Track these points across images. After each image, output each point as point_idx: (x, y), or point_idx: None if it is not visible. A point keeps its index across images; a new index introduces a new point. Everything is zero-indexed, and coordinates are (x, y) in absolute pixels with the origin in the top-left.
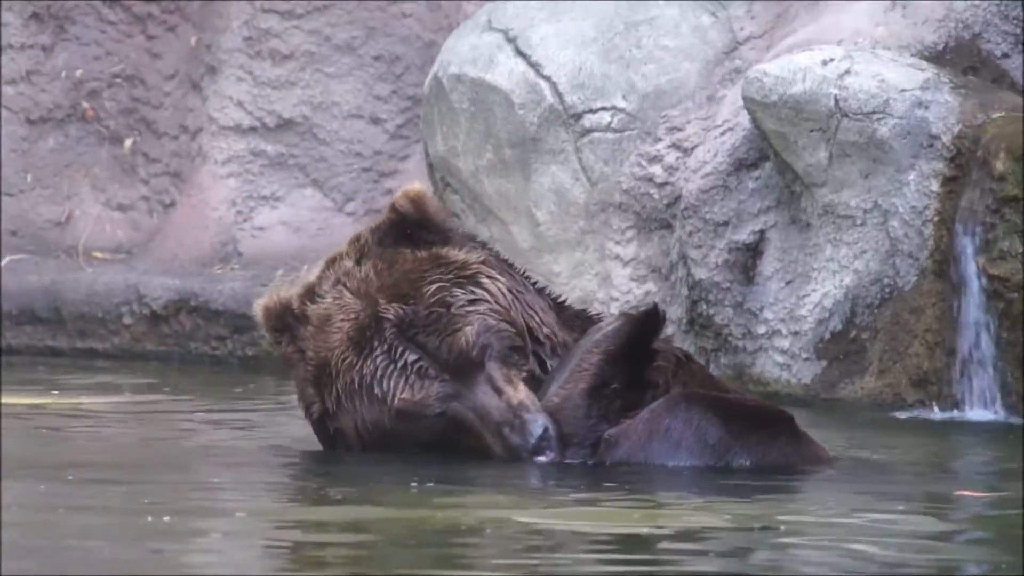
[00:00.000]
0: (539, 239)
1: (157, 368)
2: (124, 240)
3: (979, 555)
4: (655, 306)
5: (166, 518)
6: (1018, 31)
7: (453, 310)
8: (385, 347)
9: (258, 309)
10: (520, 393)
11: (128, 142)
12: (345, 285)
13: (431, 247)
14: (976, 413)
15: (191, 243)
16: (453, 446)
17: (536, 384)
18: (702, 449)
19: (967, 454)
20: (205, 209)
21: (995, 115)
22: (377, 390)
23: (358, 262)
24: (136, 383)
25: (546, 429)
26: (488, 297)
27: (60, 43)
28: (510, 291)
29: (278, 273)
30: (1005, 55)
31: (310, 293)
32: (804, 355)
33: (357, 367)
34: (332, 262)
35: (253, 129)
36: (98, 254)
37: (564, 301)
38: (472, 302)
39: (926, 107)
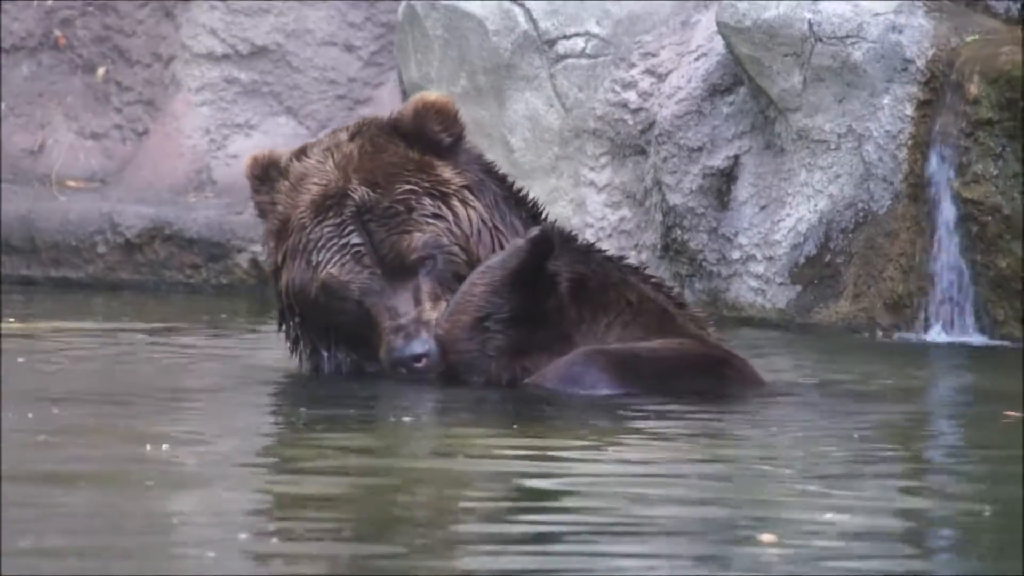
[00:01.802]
0: (514, 166)
1: (131, 296)
2: (97, 169)
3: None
4: (544, 231)
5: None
6: None
7: (414, 215)
8: (338, 221)
9: (247, 158)
10: (433, 314)
11: (101, 70)
12: (331, 154)
13: (423, 154)
14: (950, 336)
15: (165, 171)
16: (362, 340)
17: None
18: (618, 384)
19: (942, 377)
20: (179, 137)
21: (969, 38)
22: (314, 257)
23: (352, 138)
24: (109, 311)
25: (426, 354)
26: (451, 218)
27: None
28: (481, 221)
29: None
30: None
31: (301, 152)
32: (779, 280)
33: (307, 230)
34: (333, 132)
35: (226, 57)
36: (71, 183)
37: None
38: (435, 216)
39: (900, 31)
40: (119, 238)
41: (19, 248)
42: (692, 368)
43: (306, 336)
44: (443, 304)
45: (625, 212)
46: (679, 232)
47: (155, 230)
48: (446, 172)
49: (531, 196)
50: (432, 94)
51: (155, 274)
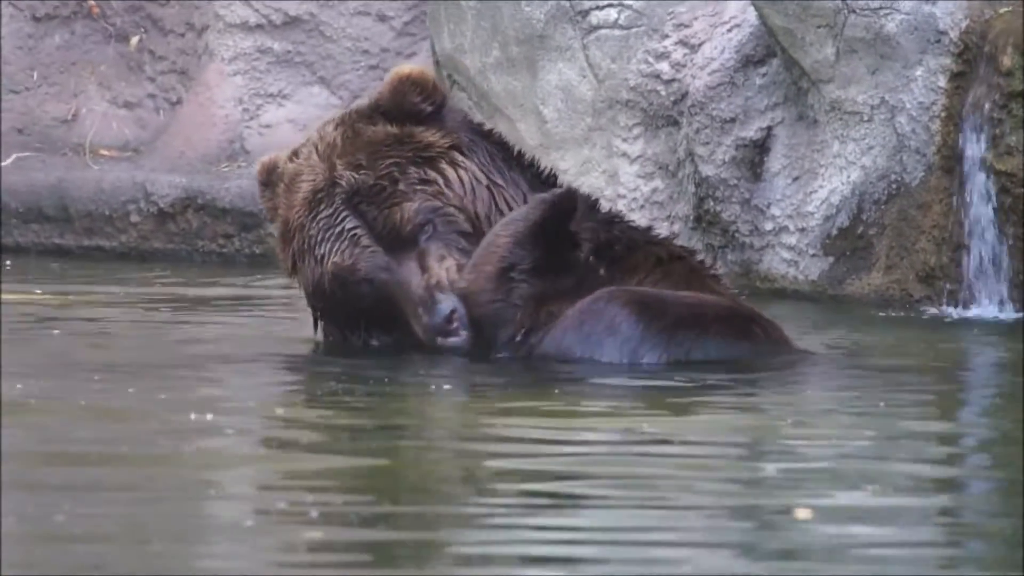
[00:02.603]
0: (546, 136)
1: (164, 266)
2: (131, 138)
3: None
4: (569, 188)
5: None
6: None
7: (400, 186)
8: (330, 211)
9: (257, 163)
10: (441, 272)
11: (134, 39)
12: (316, 147)
13: (403, 127)
14: (982, 309)
15: (198, 141)
16: (390, 319)
17: None
18: (612, 344)
19: (973, 350)
20: (212, 107)
21: (1002, 10)
22: (317, 251)
23: (336, 127)
24: (144, 279)
25: (453, 311)
26: (440, 181)
27: None
28: (475, 179)
29: None
30: None
31: (294, 153)
32: (811, 251)
33: (306, 228)
34: (322, 126)
35: (260, 26)
36: (104, 152)
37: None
38: (423, 181)
39: (933, 2)
40: (152, 207)
41: (52, 217)
42: (718, 320)
43: (336, 329)
44: (451, 263)
45: (657, 183)
46: (711, 203)
47: (188, 200)
48: (426, 137)
49: (535, 158)
50: (407, 67)
51: (188, 244)
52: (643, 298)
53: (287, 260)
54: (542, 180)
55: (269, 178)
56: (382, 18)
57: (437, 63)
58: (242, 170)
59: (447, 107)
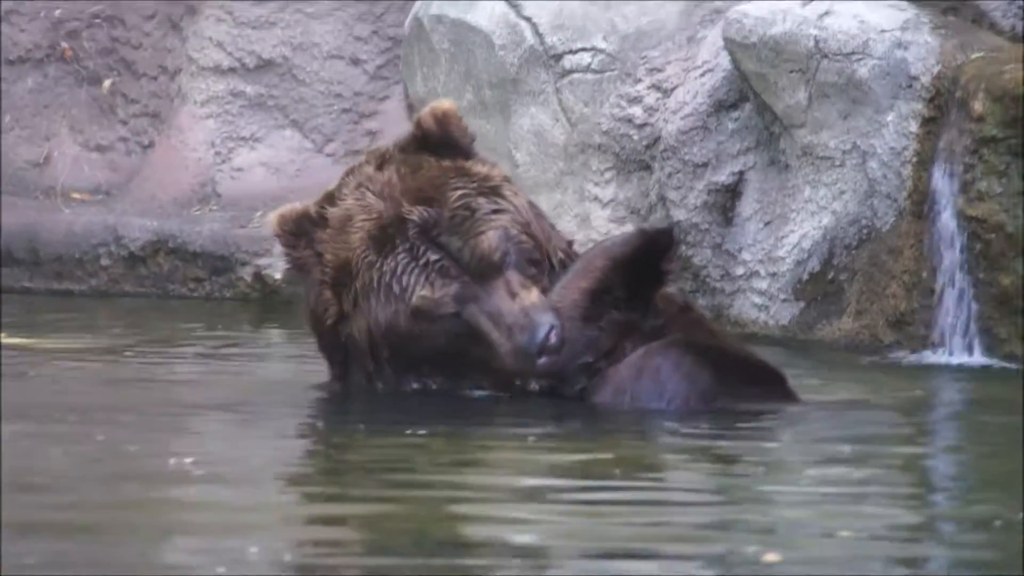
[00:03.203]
0: (519, 180)
1: (135, 309)
2: (102, 181)
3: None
4: (670, 226)
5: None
6: None
7: (477, 215)
8: (407, 246)
9: (273, 217)
10: (533, 296)
11: (107, 83)
12: (367, 188)
13: (454, 160)
14: (953, 354)
15: (170, 184)
16: (462, 355)
17: None
18: (688, 393)
19: (941, 395)
20: (184, 150)
21: (974, 56)
22: (396, 287)
23: (379, 168)
24: (115, 324)
25: (552, 328)
26: (511, 208)
27: None
28: (531, 207)
29: (257, 214)
30: None
31: (329, 198)
32: (782, 296)
33: (377, 265)
34: (351, 171)
35: (232, 70)
36: (76, 195)
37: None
38: (495, 211)
39: (905, 48)
40: (123, 251)
41: (22, 260)
42: (766, 378)
43: (392, 372)
44: (534, 289)
45: (629, 227)
46: (683, 248)
47: (159, 243)
48: (482, 169)
49: None
50: (445, 102)
51: (159, 287)
52: (713, 350)
53: (337, 304)
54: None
55: (300, 228)
56: (355, 62)
57: (410, 107)
58: (214, 214)
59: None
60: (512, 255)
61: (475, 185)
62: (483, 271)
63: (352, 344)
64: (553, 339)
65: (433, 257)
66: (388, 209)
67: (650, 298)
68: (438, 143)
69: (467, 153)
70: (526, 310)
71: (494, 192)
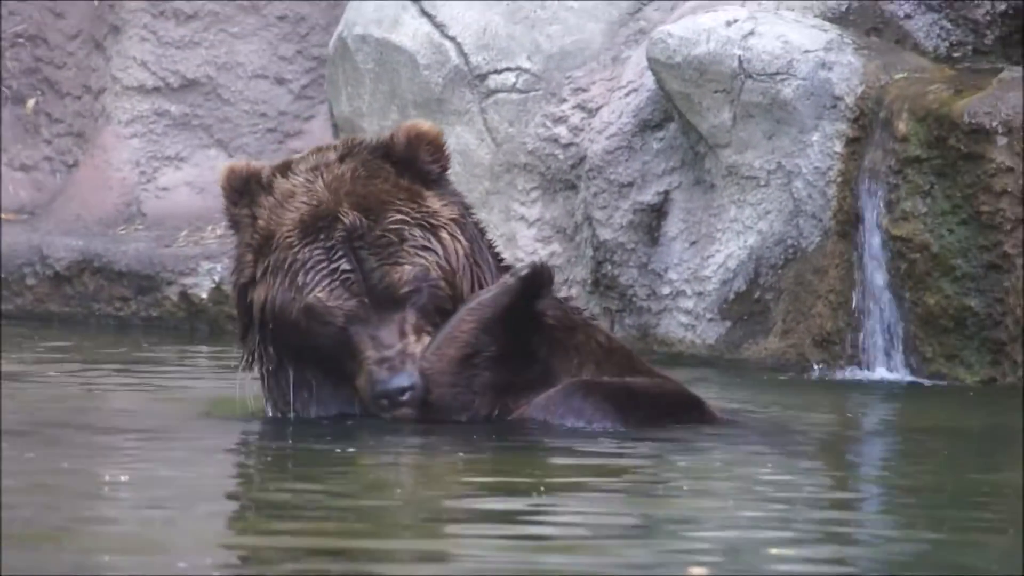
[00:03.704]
0: None
1: (60, 329)
2: (27, 200)
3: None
4: (539, 266)
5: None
6: None
7: (404, 245)
8: (328, 245)
9: (223, 168)
10: (417, 347)
11: (31, 102)
12: (320, 174)
13: (413, 183)
14: (879, 373)
15: (95, 204)
16: (339, 363)
17: None
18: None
19: (866, 413)
20: (108, 169)
21: (898, 76)
22: (300, 279)
23: (341, 159)
24: (40, 344)
25: (411, 388)
26: (440, 252)
27: None
28: (466, 257)
29: (182, 234)
30: (908, 16)
31: (284, 168)
32: (708, 316)
33: (295, 250)
34: (318, 150)
35: (157, 89)
36: (1, 215)
37: None
38: (424, 248)
39: (829, 68)
40: (48, 270)
41: None
42: (677, 405)
43: (274, 353)
44: (426, 338)
45: (555, 247)
46: (609, 267)
47: (84, 262)
48: (435, 203)
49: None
50: (424, 123)
51: (84, 307)
52: (614, 391)
53: (251, 268)
54: (500, 266)
55: (246, 186)
56: (280, 81)
57: (335, 126)
58: (139, 233)
59: (447, 174)
60: (422, 297)
61: (418, 215)
62: (384, 300)
63: (251, 310)
64: (406, 397)
65: (345, 267)
66: (328, 203)
67: (529, 345)
68: (402, 160)
69: (429, 181)
70: (403, 355)
71: (432, 229)
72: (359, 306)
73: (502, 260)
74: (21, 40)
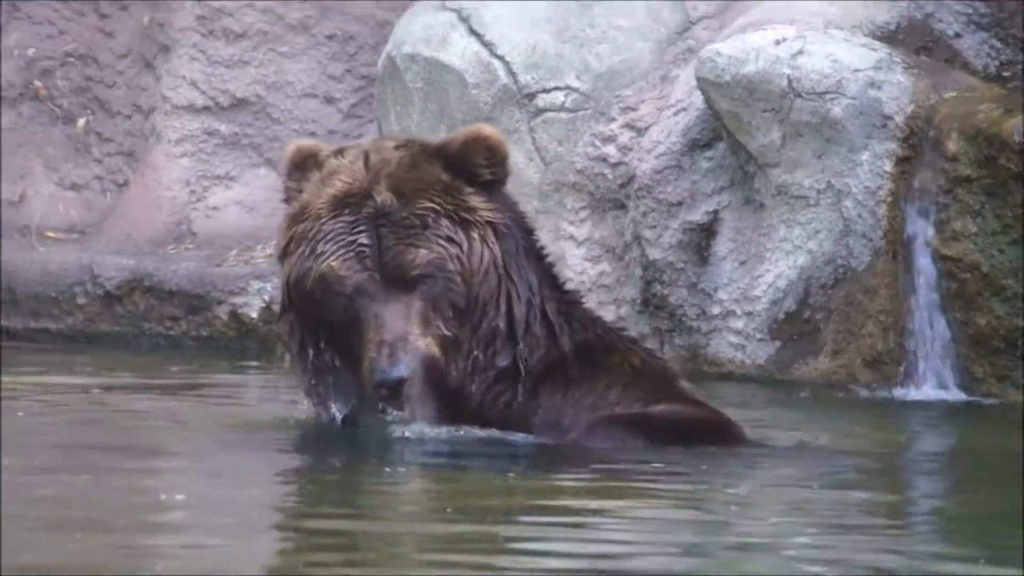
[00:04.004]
0: None
1: (111, 349)
2: (77, 220)
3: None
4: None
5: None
6: (970, 11)
7: (427, 232)
8: (352, 219)
9: (291, 144)
10: (419, 337)
11: (81, 121)
12: (368, 156)
13: (456, 179)
14: (929, 393)
15: (145, 223)
16: (344, 340)
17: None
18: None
19: (918, 434)
20: (158, 189)
21: (947, 95)
22: (319, 248)
23: (396, 147)
24: (92, 363)
25: (405, 381)
26: (464, 248)
27: (13, 22)
28: (493, 264)
29: (232, 253)
30: (957, 35)
31: (341, 150)
32: (758, 336)
33: (321, 220)
34: (378, 139)
35: (207, 108)
36: (51, 234)
37: (580, 301)
38: (448, 239)
39: (879, 87)
40: (99, 289)
41: None
42: (698, 432)
43: (299, 330)
44: (433, 328)
45: (605, 266)
46: (659, 287)
47: (135, 282)
48: (475, 201)
49: (557, 269)
50: (488, 128)
51: (134, 326)
52: (638, 420)
53: (284, 240)
54: (560, 290)
55: (304, 162)
56: (329, 100)
57: None
58: (189, 252)
59: (504, 185)
60: (436, 286)
61: (450, 207)
62: (394, 279)
63: (283, 286)
64: (400, 390)
65: (363, 241)
66: (365, 182)
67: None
68: (454, 158)
69: (477, 183)
70: (404, 340)
71: (462, 223)
72: (368, 280)
73: (566, 290)
74: (71, 59)
